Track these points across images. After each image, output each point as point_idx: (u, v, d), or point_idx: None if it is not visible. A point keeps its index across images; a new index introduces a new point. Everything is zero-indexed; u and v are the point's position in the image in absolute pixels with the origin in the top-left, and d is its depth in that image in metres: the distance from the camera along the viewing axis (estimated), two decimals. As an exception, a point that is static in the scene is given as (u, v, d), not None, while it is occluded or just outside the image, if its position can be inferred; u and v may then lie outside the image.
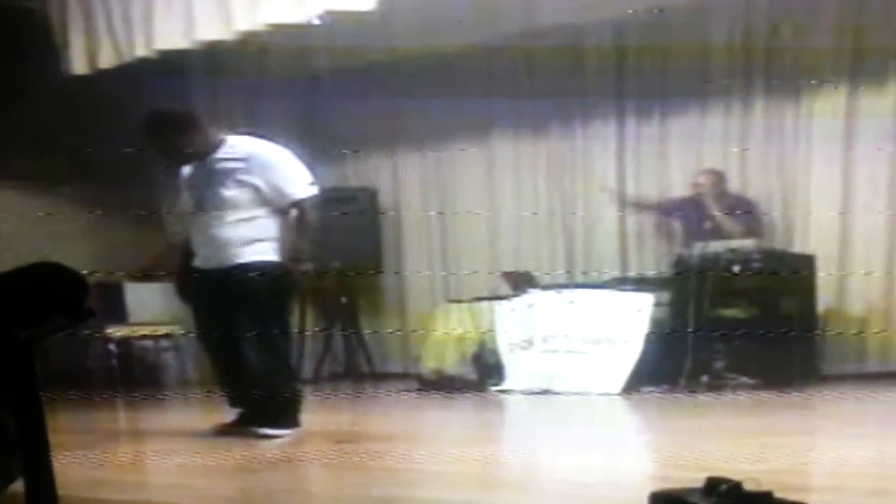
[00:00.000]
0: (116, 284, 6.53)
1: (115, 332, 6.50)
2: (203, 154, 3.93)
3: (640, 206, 6.59)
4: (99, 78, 5.81)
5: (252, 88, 6.96)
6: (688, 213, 6.21)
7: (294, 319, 4.18)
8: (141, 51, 5.52)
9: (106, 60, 5.67)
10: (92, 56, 5.75)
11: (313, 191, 3.90)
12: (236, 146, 3.95)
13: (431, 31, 6.09)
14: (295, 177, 3.87)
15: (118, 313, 6.50)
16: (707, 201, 6.05)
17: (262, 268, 3.84)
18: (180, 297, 4.21)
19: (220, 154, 3.92)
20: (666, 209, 6.45)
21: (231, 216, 3.84)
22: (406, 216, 7.41)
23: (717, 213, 6.00)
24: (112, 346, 6.50)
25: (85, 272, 2.04)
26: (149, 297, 6.51)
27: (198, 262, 4.01)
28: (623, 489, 2.65)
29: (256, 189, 3.83)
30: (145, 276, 6.50)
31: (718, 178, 6.16)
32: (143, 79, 5.55)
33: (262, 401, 3.90)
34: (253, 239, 3.85)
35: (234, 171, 3.86)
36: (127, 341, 6.69)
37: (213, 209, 3.87)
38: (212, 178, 3.89)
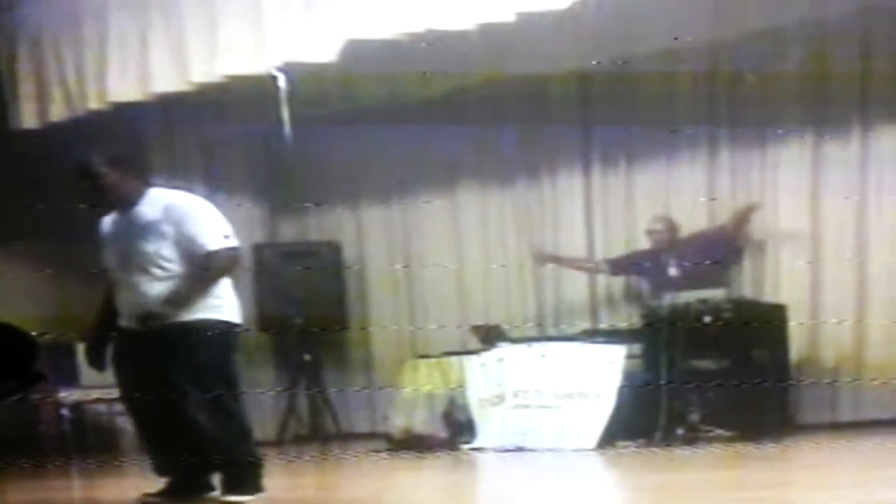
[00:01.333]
0: (68, 345, 6.32)
1: (68, 396, 6.28)
2: (123, 204, 3.81)
3: (584, 266, 6.55)
4: (50, 131, 5.69)
5: (211, 139, 6.89)
6: (639, 268, 6.19)
7: (243, 379, 3.97)
8: (94, 103, 5.42)
9: (57, 113, 5.56)
10: (42, 109, 5.63)
11: (228, 243, 3.76)
12: (156, 197, 3.82)
13: (395, 82, 6.09)
14: (209, 228, 3.73)
15: (70, 376, 6.28)
16: (664, 248, 6.03)
17: (198, 327, 3.69)
18: (95, 361, 3.96)
19: (141, 205, 3.80)
20: (616, 266, 6.40)
21: (159, 272, 3.71)
22: (371, 270, 7.33)
23: (675, 259, 5.99)
24: (64, 411, 6.27)
25: (35, 333, 1.90)
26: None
27: (125, 322, 3.84)
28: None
29: (176, 241, 3.71)
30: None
31: (671, 225, 6.17)
32: (97, 131, 5.45)
33: (220, 467, 3.75)
34: (184, 296, 3.70)
35: (153, 223, 3.73)
36: (80, 405, 6.45)
37: (138, 264, 3.74)
38: (133, 230, 3.77)
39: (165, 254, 3.71)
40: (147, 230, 3.73)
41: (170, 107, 6.08)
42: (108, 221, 3.90)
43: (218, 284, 3.75)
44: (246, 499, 3.72)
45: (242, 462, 3.76)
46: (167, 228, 3.71)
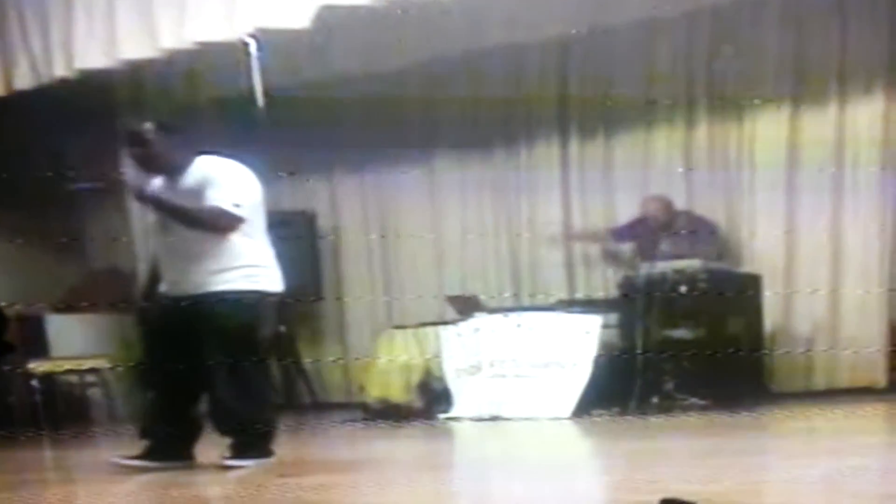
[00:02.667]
0: (37, 316, 6.23)
1: (38, 367, 6.21)
2: (170, 171, 3.90)
3: (588, 237, 6.53)
4: (16, 100, 5.56)
5: (181, 109, 6.77)
6: (638, 236, 6.16)
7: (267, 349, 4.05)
8: (61, 71, 5.28)
9: (23, 81, 5.42)
10: (7, 77, 5.49)
11: (234, 210, 3.80)
12: (199, 165, 3.90)
13: (370, 51, 6.00)
14: (225, 194, 3.79)
15: (40, 347, 6.21)
16: (657, 225, 6.01)
17: (231, 296, 3.76)
18: (141, 324, 4.11)
19: (186, 173, 3.88)
20: (619, 235, 6.37)
21: (197, 238, 3.80)
22: (346, 240, 7.26)
23: (666, 236, 5.96)
24: (34, 382, 6.20)
25: (3, 304, 1.83)
26: (72, 330, 6.23)
27: (165, 288, 3.95)
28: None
29: (200, 201, 3.78)
30: (68, 307, 6.22)
31: (665, 205, 6.13)
32: (64, 100, 5.33)
33: (237, 432, 3.82)
34: (222, 264, 3.79)
35: (190, 189, 3.82)
36: (50, 376, 6.39)
37: (178, 231, 3.83)
38: (176, 196, 3.84)
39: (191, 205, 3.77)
40: (185, 196, 3.81)
41: (138, 74, 5.97)
42: (155, 187, 3.96)
43: (253, 253, 3.83)
44: (263, 461, 3.81)
45: (260, 427, 3.85)
46: (200, 194, 3.79)
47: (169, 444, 3.89)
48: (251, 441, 3.85)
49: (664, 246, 5.89)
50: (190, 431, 3.93)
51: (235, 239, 3.80)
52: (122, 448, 4.05)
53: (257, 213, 3.91)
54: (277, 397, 4.01)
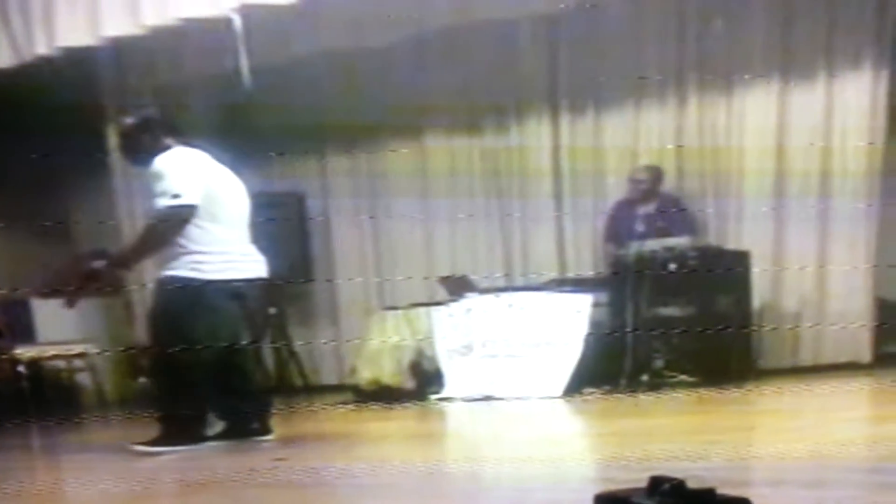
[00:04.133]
0: (24, 302, 6.22)
1: (24, 352, 6.20)
2: (144, 160, 3.99)
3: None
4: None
5: (168, 88, 6.72)
6: (626, 213, 6.17)
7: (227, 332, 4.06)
8: (42, 49, 5.23)
9: (2, 59, 5.36)
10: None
11: (174, 202, 3.87)
12: (165, 155, 3.96)
13: (358, 26, 5.95)
14: (164, 187, 3.88)
15: (26, 333, 6.20)
16: (644, 198, 6.02)
17: (173, 282, 3.89)
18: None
19: (153, 162, 3.95)
20: (609, 236, 6.25)
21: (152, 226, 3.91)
22: (336, 221, 7.24)
23: (653, 210, 5.98)
24: (21, 368, 6.20)
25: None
26: (58, 314, 6.20)
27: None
28: (567, 492, 2.59)
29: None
30: (54, 291, 6.19)
31: (657, 174, 6.15)
32: (46, 79, 5.28)
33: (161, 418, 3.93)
34: (134, 250, 3.97)
35: (154, 180, 3.90)
36: (37, 362, 6.38)
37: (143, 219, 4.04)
38: (147, 185, 3.98)
39: (146, 209, 3.96)
40: (150, 185, 3.92)
41: (122, 52, 5.91)
42: (138, 174, 4.18)
43: (190, 240, 3.88)
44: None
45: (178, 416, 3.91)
46: (153, 184, 3.90)
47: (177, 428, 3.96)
48: (174, 428, 3.92)
49: (647, 222, 5.92)
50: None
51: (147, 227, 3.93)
52: (109, 432, 4.06)
53: (212, 202, 3.94)
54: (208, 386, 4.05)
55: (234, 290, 3.98)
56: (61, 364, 6.66)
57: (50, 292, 6.24)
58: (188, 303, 3.87)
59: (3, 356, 6.04)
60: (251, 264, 4.07)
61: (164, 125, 4.12)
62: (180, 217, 3.86)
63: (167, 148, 3.99)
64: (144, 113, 4.19)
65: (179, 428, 3.93)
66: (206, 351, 3.89)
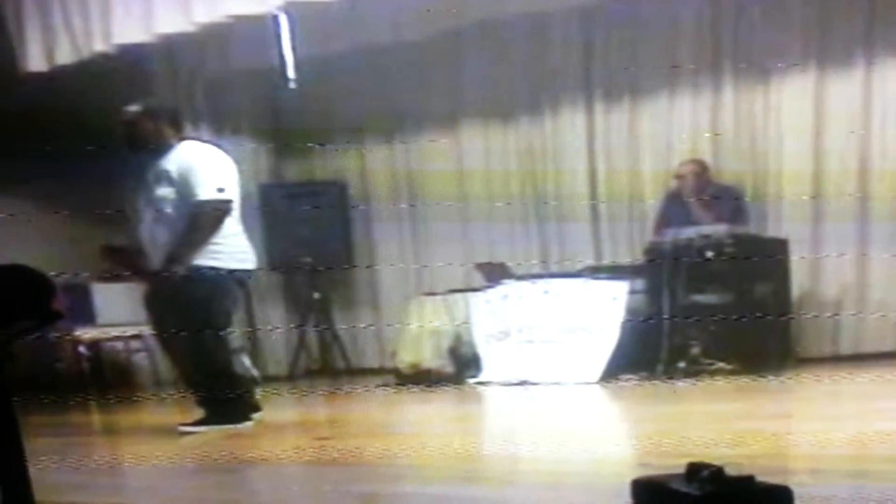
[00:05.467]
0: (83, 286, 6.44)
1: (85, 334, 6.42)
2: (154, 151, 4.07)
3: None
4: (57, 74, 5.69)
5: (216, 82, 6.87)
6: (676, 206, 6.04)
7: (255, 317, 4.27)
8: (99, 46, 5.42)
9: (63, 56, 5.57)
10: (49, 52, 5.64)
11: (220, 196, 3.98)
12: (182, 148, 4.08)
13: (398, 20, 6.02)
14: (205, 179, 3.96)
15: (87, 315, 6.42)
16: (692, 191, 5.93)
17: (195, 272, 3.96)
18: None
19: (169, 154, 4.05)
20: (659, 231, 6.01)
21: (164, 215, 3.98)
22: (377, 209, 7.35)
23: (699, 202, 5.91)
24: (82, 349, 6.42)
25: (51, 273, 1.96)
26: (116, 298, 6.42)
27: (149, 264, 4.12)
28: (604, 477, 2.62)
29: (180, 189, 3.98)
30: (112, 276, 6.41)
31: (702, 167, 6.10)
32: (103, 74, 5.46)
33: (211, 399, 4.08)
34: (182, 243, 3.97)
35: (169, 170, 4.01)
36: (97, 343, 6.60)
37: (153, 207, 4.04)
38: (155, 175, 4.04)
39: (171, 199, 3.96)
40: (163, 176, 4.00)
41: (174, 48, 6.07)
42: (141, 165, 4.14)
43: (220, 232, 3.99)
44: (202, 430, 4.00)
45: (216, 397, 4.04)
46: (176, 176, 3.97)
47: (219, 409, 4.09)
48: (213, 409, 4.06)
49: (695, 212, 5.87)
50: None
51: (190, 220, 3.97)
52: (166, 412, 4.21)
53: (236, 195, 4.09)
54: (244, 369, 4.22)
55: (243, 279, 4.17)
56: (119, 345, 6.88)
57: (109, 277, 6.47)
58: (216, 292, 4.01)
59: (66, 337, 6.24)
60: (251, 255, 4.22)
61: (175, 117, 4.22)
62: (224, 210, 3.99)
63: (181, 140, 4.09)
64: (157, 104, 4.26)
65: (222, 408, 4.08)
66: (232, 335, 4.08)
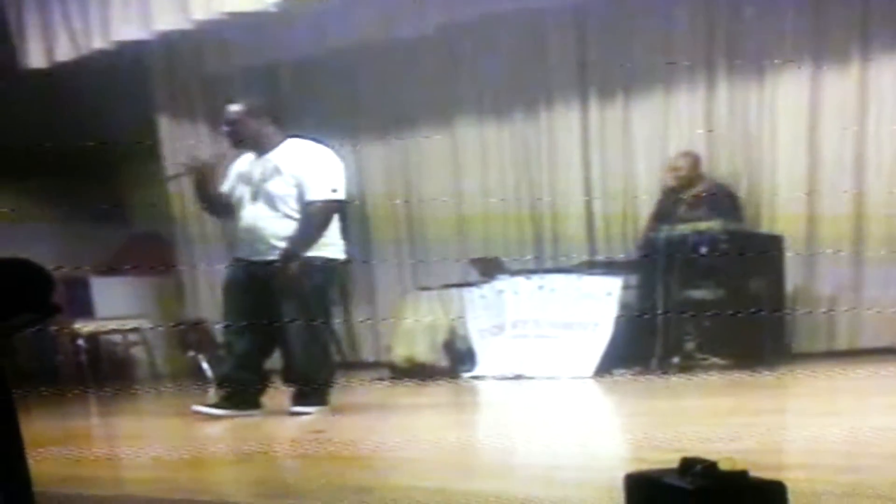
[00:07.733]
0: (82, 279, 6.46)
1: (83, 327, 6.45)
2: (259, 149, 4.25)
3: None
4: (57, 71, 5.71)
5: (211, 79, 6.86)
6: (670, 201, 6.09)
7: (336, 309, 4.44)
8: (98, 43, 5.44)
9: (63, 53, 5.59)
10: (49, 49, 5.65)
11: (333, 196, 4.17)
12: (290, 146, 4.25)
13: (391, 17, 6.01)
14: (322, 180, 4.15)
15: (85, 308, 6.45)
16: (685, 185, 5.95)
17: (304, 262, 4.15)
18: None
19: (275, 151, 4.22)
20: (652, 228, 6.07)
21: (279, 212, 4.18)
22: (372, 205, 7.35)
23: (692, 197, 5.92)
24: (80, 342, 6.44)
25: (50, 267, 1.97)
26: (115, 292, 6.45)
27: (242, 254, 4.30)
28: (598, 472, 2.63)
29: (296, 187, 4.16)
30: (111, 270, 6.43)
31: (695, 160, 6.11)
32: (102, 71, 5.47)
33: (302, 383, 4.27)
34: (299, 236, 4.17)
35: (281, 168, 4.20)
36: (95, 336, 6.61)
37: (264, 203, 4.19)
38: (265, 173, 4.21)
39: (286, 197, 4.14)
40: (275, 174, 4.18)
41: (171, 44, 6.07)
42: (243, 162, 4.32)
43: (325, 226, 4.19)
44: (317, 409, 4.26)
45: (322, 379, 4.27)
46: (290, 174, 4.16)
47: (243, 394, 4.28)
48: (314, 391, 4.24)
49: (689, 208, 5.88)
50: (262, 382, 4.34)
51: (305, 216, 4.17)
52: (163, 405, 4.24)
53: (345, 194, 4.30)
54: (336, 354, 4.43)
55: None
56: (117, 338, 6.91)
57: (107, 271, 6.49)
58: (327, 280, 4.28)
59: (64, 331, 6.25)
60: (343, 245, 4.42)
61: (278, 116, 4.37)
62: (337, 209, 4.19)
63: (285, 138, 4.23)
64: (260, 104, 4.38)
65: (240, 394, 4.26)
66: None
